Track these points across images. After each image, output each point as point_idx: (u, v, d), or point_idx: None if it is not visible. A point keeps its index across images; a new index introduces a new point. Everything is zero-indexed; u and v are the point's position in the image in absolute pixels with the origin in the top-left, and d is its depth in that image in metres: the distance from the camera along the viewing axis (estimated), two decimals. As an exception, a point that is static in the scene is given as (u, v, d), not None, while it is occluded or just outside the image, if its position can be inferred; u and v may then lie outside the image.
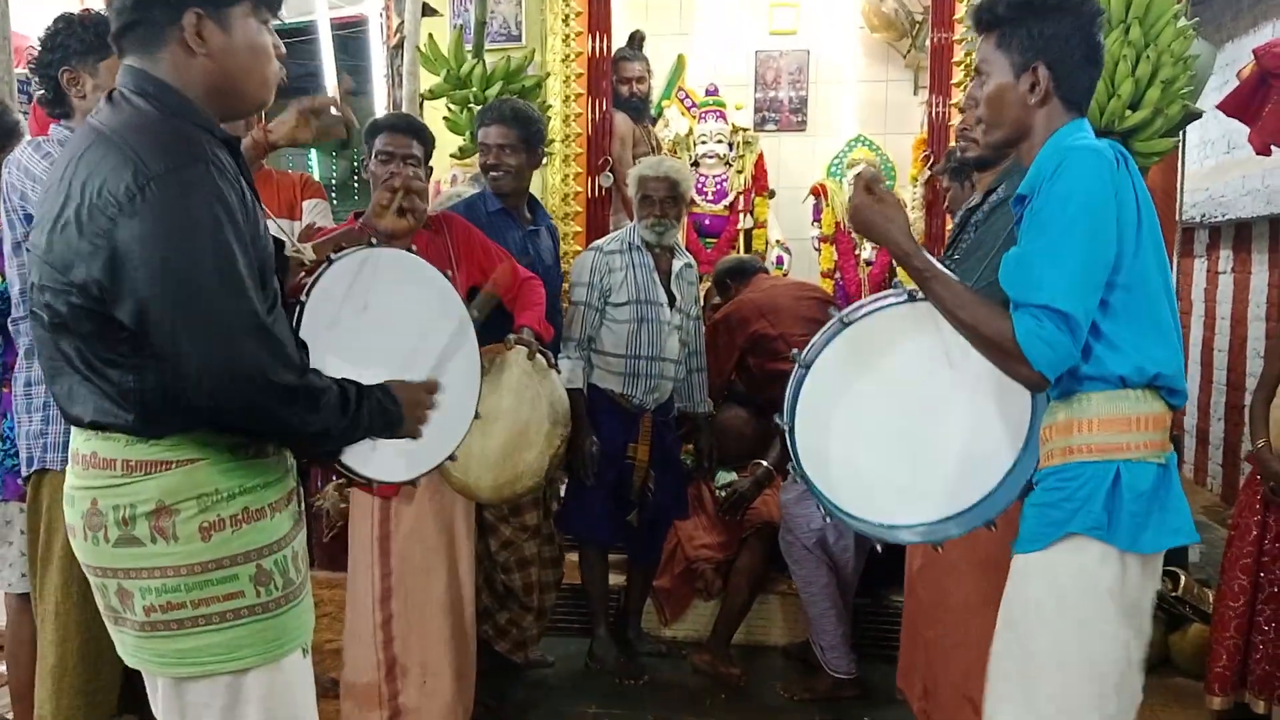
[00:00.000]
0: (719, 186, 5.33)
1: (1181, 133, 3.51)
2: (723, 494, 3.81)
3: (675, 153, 5.45)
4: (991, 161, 2.68)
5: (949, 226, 3.27)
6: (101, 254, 1.39)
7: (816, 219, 5.44)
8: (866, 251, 5.26)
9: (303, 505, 1.69)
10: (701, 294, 4.18)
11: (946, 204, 3.11)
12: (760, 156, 5.44)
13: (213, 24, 1.53)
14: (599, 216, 4.58)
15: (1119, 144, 1.78)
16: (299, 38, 6.46)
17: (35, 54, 2.38)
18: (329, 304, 1.74)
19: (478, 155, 3.28)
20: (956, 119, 3.95)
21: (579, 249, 4.40)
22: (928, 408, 1.94)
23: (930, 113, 4.55)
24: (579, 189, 4.52)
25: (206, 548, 1.50)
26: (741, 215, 5.34)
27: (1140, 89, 3.24)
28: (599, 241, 3.54)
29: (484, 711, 3.16)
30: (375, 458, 1.75)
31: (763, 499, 3.73)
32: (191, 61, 1.53)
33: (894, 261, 2.02)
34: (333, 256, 1.78)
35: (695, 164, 5.31)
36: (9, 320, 2.39)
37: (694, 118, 5.57)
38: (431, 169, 2.84)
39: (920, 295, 1.84)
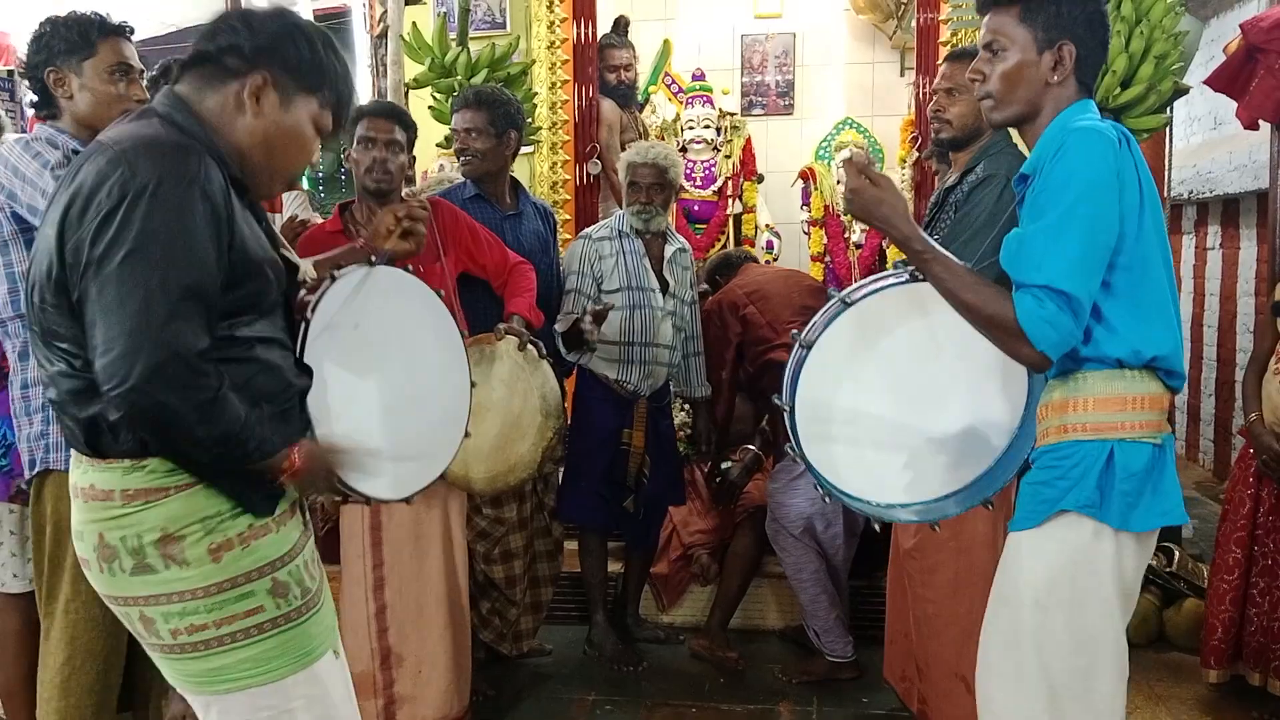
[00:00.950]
0: (707, 172, 5.31)
1: (1170, 109, 3.51)
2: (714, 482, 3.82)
3: (663, 139, 5.43)
4: (964, 142, 2.69)
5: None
6: (74, 249, 1.41)
7: (805, 203, 5.43)
8: (856, 235, 5.25)
9: (307, 514, 1.70)
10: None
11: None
12: (748, 141, 5.42)
13: (276, 94, 1.56)
14: (588, 204, 4.57)
15: (1121, 124, 1.78)
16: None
17: (23, 56, 2.37)
18: (329, 321, 1.77)
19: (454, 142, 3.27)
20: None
21: (568, 237, 4.38)
22: (927, 387, 1.95)
23: (917, 94, 4.55)
24: (567, 177, 4.50)
25: (219, 568, 1.51)
26: (730, 200, 5.33)
27: (1133, 65, 3.24)
28: (588, 229, 3.53)
29: (482, 700, 3.16)
30: (368, 477, 1.77)
31: (754, 483, 3.74)
32: (237, 117, 1.56)
33: (889, 244, 2.02)
34: (335, 274, 1.81)
35: (683, 149, 5.29)
36: None
37: (681, 103, 5.55)
38: (414, 157, 2.82)
39: (921, 276, 1.83)
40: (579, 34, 4.49)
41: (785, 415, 1.93)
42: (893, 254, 2.02)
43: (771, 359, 3.37)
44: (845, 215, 5.12)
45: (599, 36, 4.72)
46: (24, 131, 2.79)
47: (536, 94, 4.35)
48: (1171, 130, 3.98)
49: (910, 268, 1.86)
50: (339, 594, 2.76)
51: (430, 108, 4.14)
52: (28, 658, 2.46)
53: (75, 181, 1.45)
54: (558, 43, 4.48)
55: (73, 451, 1.57)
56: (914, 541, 2.76)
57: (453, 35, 4.10)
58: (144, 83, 2.40)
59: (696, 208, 5.31)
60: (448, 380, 2.19)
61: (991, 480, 1.95)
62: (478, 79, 3.96)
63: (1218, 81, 3.74)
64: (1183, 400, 6.13)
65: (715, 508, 3.83)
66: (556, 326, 3.28)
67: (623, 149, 4.88)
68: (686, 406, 3.93)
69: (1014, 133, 2.03)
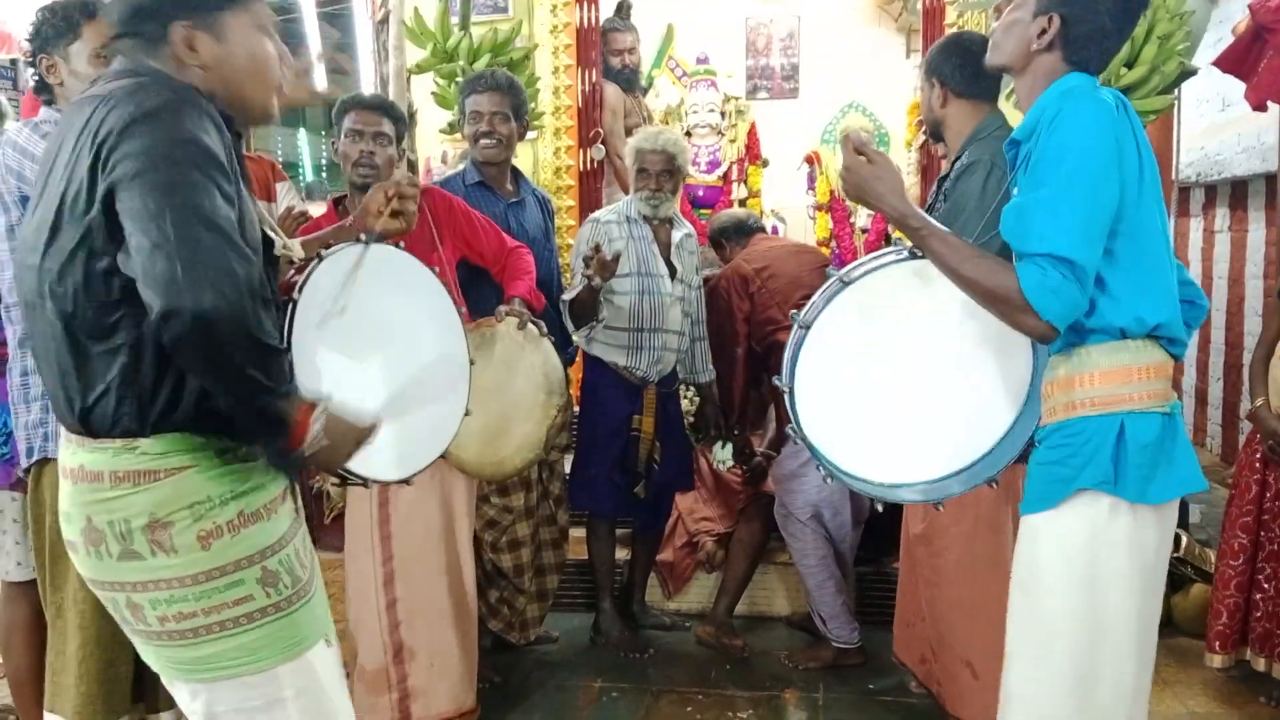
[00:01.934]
0: (712, 156, 5.29)
1: (1177, 91, 3.48)
2: (722, 465, 3.81)
3: (667, 123, 5.41)
4: (934, 134, 2.73)
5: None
6: (103, 180, 1.38)
7: (811, 187, 5.40)
8: (861, 219, 5.22)
9: (299, 501, 1.67)
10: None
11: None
12: (753, 125, 5.40)
13: (205, 35, 1.51)
14: (591, 190, 4.55)
15: (1119, 92, 1.76)
16: (283, 16, 6.39)
17: (25, 45, 2.40)
18: (319, 301, 1.73)
19: (466, 124, 3.22)
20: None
21: (572, 223, 4.37)
22: (928, 366, 1.93)
23: (923, 77, 4.51)
24: (570, 162, 4.49)
25: (207, 556, 1.48)
26: (735, 185, 5.31)
27: (1137, 46, 3.22)
28: (596, 213, 3.50)
29: (489, 687, 3.17)
30: (370, 458, 1.73)
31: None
32: (187, 73, 1.51)
33: (890, 224, 2.01)
34: (323, 254, 1.77)
35: (687, 134, 5.26)
36: (1, 306, 2.37)
37: (685, 87, 5.52)
38: (404, 149, 2.80)
39: (920, 253, 1.82)
40: (582, 18, 4.46)
41: (785, 396, 1.92)
42: (900, 232, 2.02)
43: (779, 340, 3.34)
44: (847, 197, 5.09)
45: (602, 21, 4.70)
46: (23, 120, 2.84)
47: (539, 79, 4.32)
48: (1179, 112, 3.95)
49: (909, 245, 1.85)
50: (345, 586, 2.76)
51: (433, 93, 4.13)
52: (37, 647, 2.47)
53: (75, 132, 1.42)
54: (560, 27, 4.45)
55: (62, 431, 1.55)
56: (921, 527, 2.76)
57: (455, 20, 4.08)
58: None
59: (701, 193, 5.28)
60: (445, 357, 2.15)
61: (995, 459, 1.94)
62: (480, 64, 3.94)
63: (1226, 63, 3.71)
64: (1190, 384, 6.10)
65: (719, 490, 3.83)
66: (564, 296, 3.27)
67: (627, 134, 4.86)
68: (691, 391, 3.93)
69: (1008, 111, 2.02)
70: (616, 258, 3.16)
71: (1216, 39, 4.74)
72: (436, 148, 4.53)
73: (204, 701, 1.54)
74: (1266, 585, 3.03)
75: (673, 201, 3.50)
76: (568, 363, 3.46)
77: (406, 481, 2.02)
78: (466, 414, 2.22)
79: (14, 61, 5.05)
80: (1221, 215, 5.84)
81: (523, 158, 3.42)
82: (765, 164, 5.46)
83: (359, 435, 1.60)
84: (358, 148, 2.67)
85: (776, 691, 3.24)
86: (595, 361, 3.44)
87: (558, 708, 3.17)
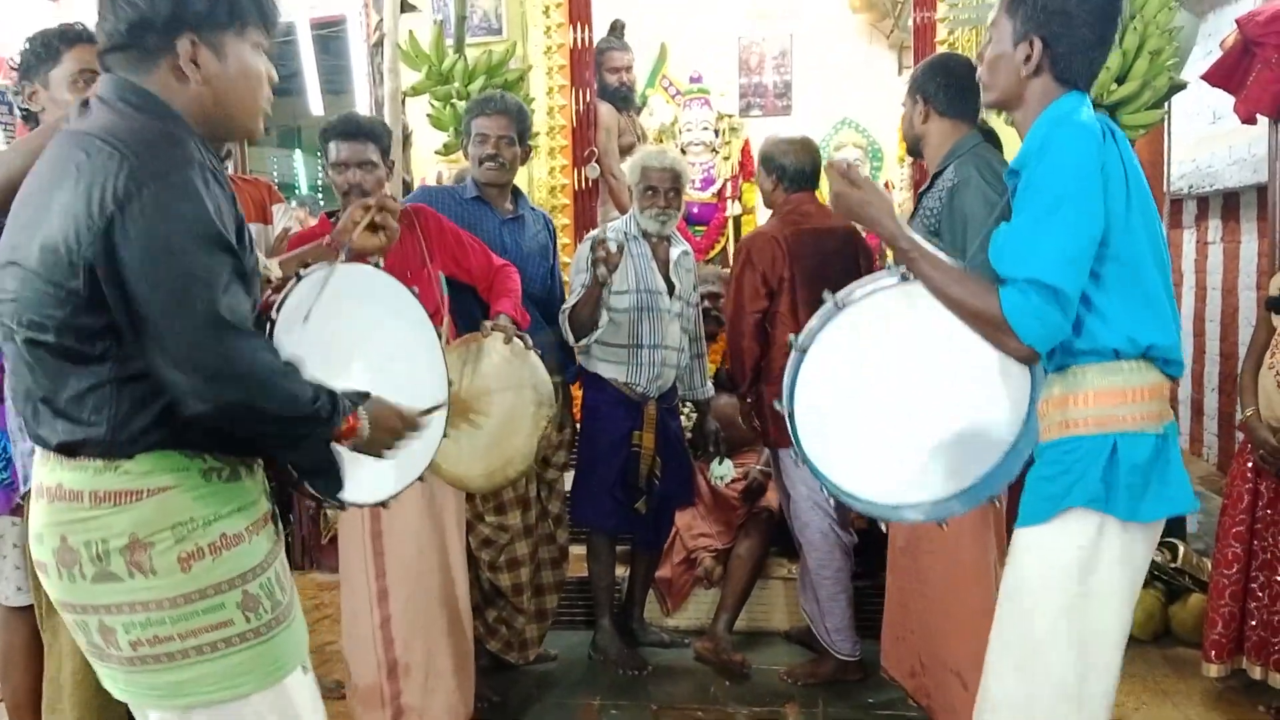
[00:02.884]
0: (706, 174, 5.31)
1: (1167, 105, 3.51)
2: (720, 481, 3.82)
3: (661, 141, 5.44)
4: (912, 150, 2.80)
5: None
6: (99, 244, 1.36)
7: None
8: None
9: (280, 525, 1.66)
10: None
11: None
12: (746, 142, 5.42)
13: (207, 51, 1.51)
14: (586, 208, 4.57)
15: (1107, 117, 1.79)
16: (279, 39, 6.42)
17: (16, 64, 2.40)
18: (297, 320, 1.73)
19: (471, 145, 3.24)
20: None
21: (567, 242, 4.39)
22: (928, 387, 1.95)
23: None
24: (565, 181, 4.51)
25: (188, 578, 1.45)
26: (730, 202, 5.33)
27: (1128, 61, 3.25)
28: (595, 232, 3.51)
29: (487, 707, 3.16)
30: (348, 480, 1.74)
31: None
32: (183, 87, 1.51)
33: (882, 244, 2.04)
34: (301, 273, 1.77)
35: (682, 151, 5.29)
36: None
37: (679, 106, 5.56)
38: (392, 164, 2.81)
39: (912, 276, 1.85)
40: (575, 38, 4.50)
41: (787, 420, 1.94)
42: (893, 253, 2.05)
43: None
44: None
45: (596, 40, 4.73)
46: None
47: (534, 99, 4.35)
48: (1170, 125, 3.98)
49: (903, 269, 1.88)
50: (339, 605, 2.76)
51: (428, 115, 4.15)
52: (35, 671, 2.46)
53: (72, 179, 1.40)
54: (554, 48, 4.48)
55: (38, 450, 1.52)
56: (904, 541, 2.77)
57: (449, 42, 4.11)
58: None
59: (696, 210, 5.30)
60: (423, 378, 2.14)
61: (997, 478, 1.96)
62: (475, 86, 3.98)
63: (1215, 76, 3.74)
64: (1186, 394, 6.12)
65: (718, 506, 3.84)
66: (564, 306, 3.29)
67: (621, 153, 4.89)
68: (688, 408, 3.94)
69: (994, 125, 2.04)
70: (621, 249, 3.18)
71: (1205, 53, 4.79)
72: (431, 169, 4.55)
73: None
74: (1261, 594, 3.04)
75: (677, 218, 3.54)
76: (569, 382, 3.48)
77: (383, 504, 2.01)
78: (444, 436, 2.20)
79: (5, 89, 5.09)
80: (1214, 227, 5.86)
81: (518, 177, 3.43)
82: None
83: (406, 421, 1.71)
84: (344, 179, 2.68)
85: (777, 706, 3.24)
86: (595, 379, 3.45)
87: (557, 726, 3.17)
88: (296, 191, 12.81)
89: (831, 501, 2.01)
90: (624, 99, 5.04)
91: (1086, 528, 1.72)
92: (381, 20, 4.21)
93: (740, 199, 5.35)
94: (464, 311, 2.90)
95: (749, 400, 3.49)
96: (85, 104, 1.51)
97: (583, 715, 3.24)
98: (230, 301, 1.41)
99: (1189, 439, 6.16)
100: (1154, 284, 1.75)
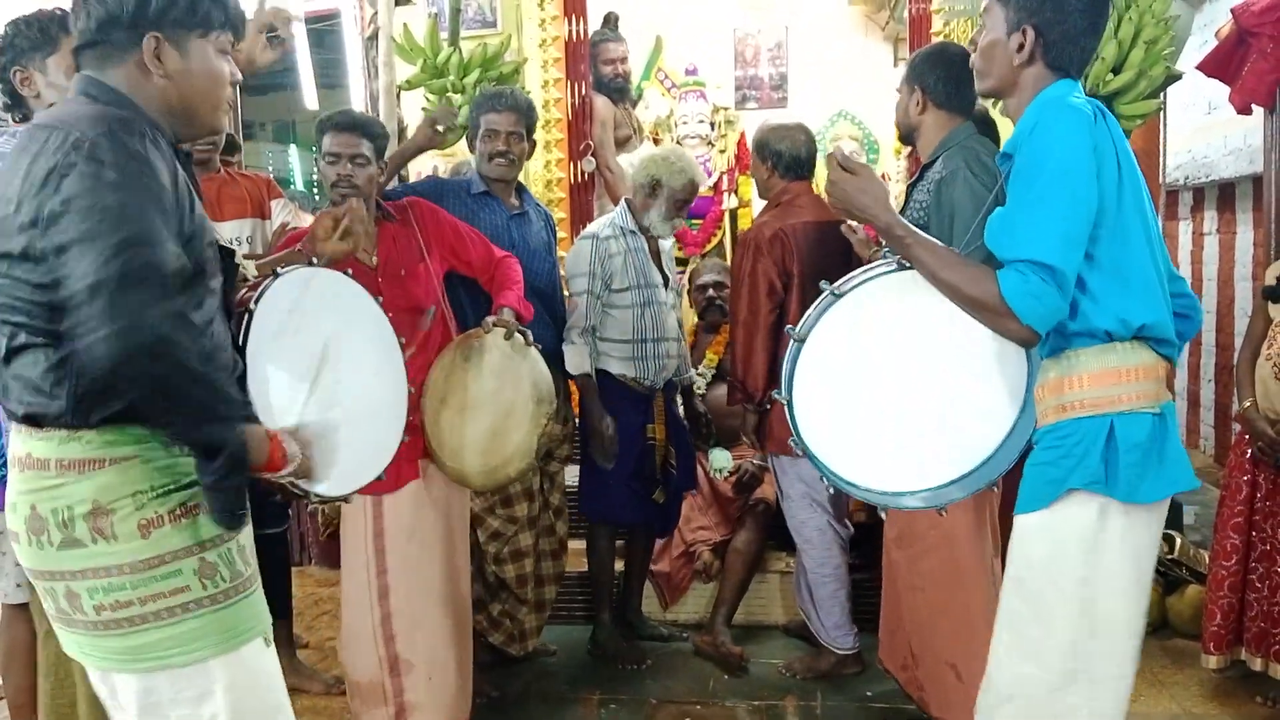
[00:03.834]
0: (702, 167, 5.29)
1: (1163, 95, 3.51)
2: (720, 474, 3.82)
3: (657, 134, 5.43)
4: (905, 138, 2.78)
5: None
6: (40, 212, 1.42)
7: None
8: (859, 233, 5.23)
9: (246, 505, 1.68)
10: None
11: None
12: (742, 135, 5.40)
13: (171, 48, 1.60)
14: (583, 202, 4.57)
15: (1097, 101, 1.80)
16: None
17: None
18: (270, 320, 1.82)
19: (479, 140, 3.21)
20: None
21: (563, 235, 4.38)
22: (925, 374, 1.96)
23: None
24: (561, 175, 4.50)
25: (147, 544, 1.51)
26: (726, 195, 5.32)
27: (1123, 51, 3.24)
28: (593, 229, 3.49)
29: (486, 702, 3.16)
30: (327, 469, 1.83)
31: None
32: (147, 81, 1.60)
33: (878, 235, 2.03)
34: (279, 271, 1.87)
35: (678, 144, 5.28)
36: None
37: (674, 99, 5.54)
38: (384, 164, 2.80)
39: (908, 263, 1.85)
40: (570, 31, 4.49)
41: (785, 408, 1.96)
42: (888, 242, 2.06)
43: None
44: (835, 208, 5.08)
45: (590, 33, 4.72)
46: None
47: (529, 93, 4.33)
48: (1165, 116, 3.98)
49: (898, 256, 1.89)
50: (341, 600, 2.76)
51: (423, 109, 4.13)
52: (35, 669, 2.46)
53: (25, 161, 1.46)
54: (549, 41, 4.47)
55: (10, 424, 1.58)
56: (897, 531, 2.77)
57: (444, 35, 4.09)
58: None
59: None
60: (385, 381, 2.25)
61: (996, 464, 1.96)
62: (470, 79, 3.96)
63: (1210, 66, 3.74)
64: (1182, 386, 6.13)
65: (715, 499, 3.84)
66: (572, 328, 3.32)
67: (617, 145, 4.89)
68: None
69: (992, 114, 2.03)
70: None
71: (1201, 43, 4.79)
72: (427, 162, 4.53)
73: (136, 690, 1.56)
74: (1260, 585, 3.04)
75: (680, 223, 3.60)
76: (569, 375, 3.48)
77: (345, 499, 2.07)
78: (404, 439, 2.29)
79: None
80: (1210, 218, 5.87)
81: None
82: (755, 173, 5.47)
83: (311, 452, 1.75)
84: (335, 170, 2.66)
85: (775, 700, 3.24)
86: (603, 375, 3.43)
87: (556, 720, 3.17)
88: (291, 186, 12.79)
89: (831, 490, 2.01)
90: (619, 91, 5.02)
91: (1087, 510, 1.73)
92: (376, 14, 4.19)
93: (736, 192, 5.34)
94: (471, 304, 2.92)
95: (752, 405, 3.31)
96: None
97: (582, 709, 3.24)
98: (158, 257, 1.44)
99: (1185, 431, 6.17)
100: (1145, 265, 1.76)
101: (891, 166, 5.81)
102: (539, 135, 4.41)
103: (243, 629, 1.60)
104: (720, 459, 3.89)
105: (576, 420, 3.59)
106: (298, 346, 1.91)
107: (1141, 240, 1.76)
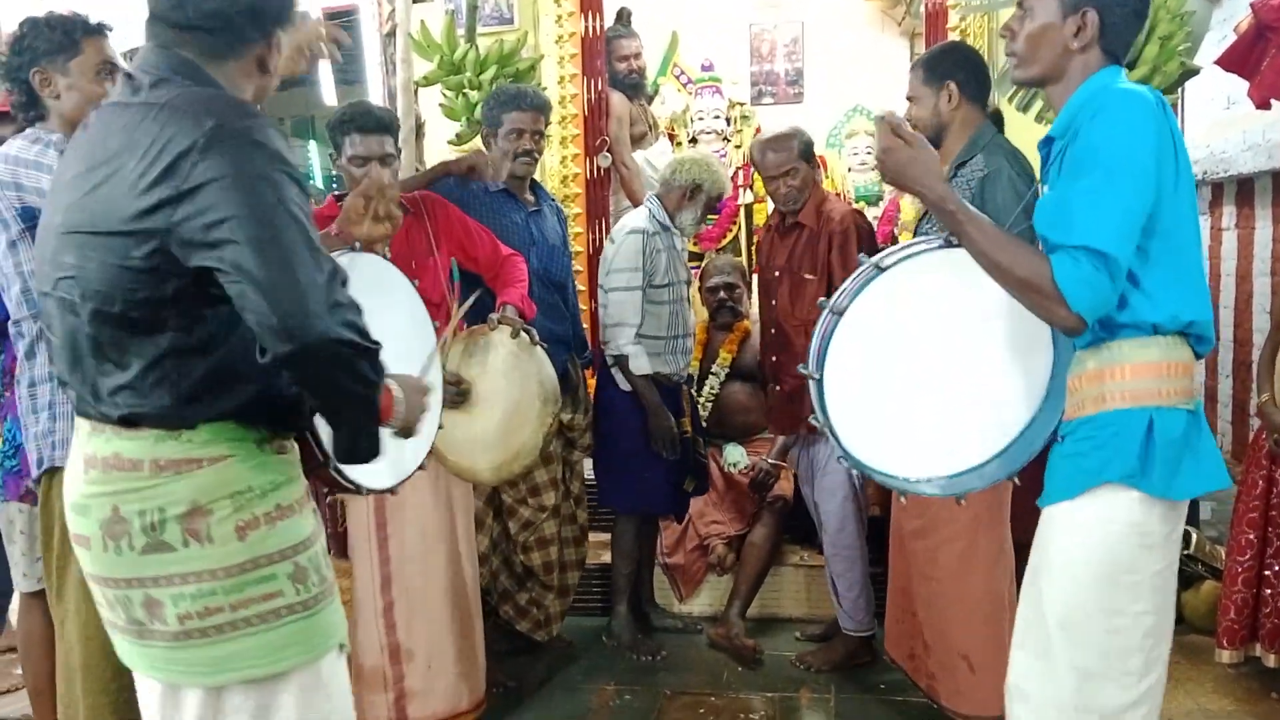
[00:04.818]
0: (718, 162, 5.30)
1: (1180, 90, 3.50)
2: (733, 468, 3.84)
3: (673, 130, 5.43)
4: (934, 142, 2.69)
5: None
6: (184, 196, 1.35)
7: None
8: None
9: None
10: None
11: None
12: (758, 130, 5.40)
13: (277, 51, 1.57)
14: (598, 198, 4.58)
15: (1158, 91, 1.75)
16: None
17: (2, 59, 2.38)
18: None
19: (501, 138, 3.22)
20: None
21: (579, 231, 4.40)
22: (951, 359, 1.93)
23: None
24: (577, 171, 4.51)
25: (244, 547, 1.46)
26: (741, 190, 5.32)
27: (1138, 46, 3.23)
28: (638, 224, 3.44)
29: (501, 691, 3.19)
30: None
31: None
32: (250, 81, 1.54)
33: (900, 230, 2.00)
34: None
35: (693, 140, 5.29)
36: (9, 323, 2.40)
37: (690, 94, 5.55)
38: (399, 151, 2.81)
39: (955, 241, 1.80)
40: (587, 27, 4.49)
41: (813, 384, 1.90)
42: (904, 239, 2.05)
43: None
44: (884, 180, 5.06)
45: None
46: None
47: (545, 89, 4.35)
48: (1183, 111, 3.96)
49: (944, 233, 1.84)
50: (351, 590, 2.79)
51: (440, 105, 4.16)
52: (54, 656, 2.49)
53: (143, 147, 1.37)
54: (565, 37, 4.48)
55: (87, 423, 1.51)
56: (919, 523, 2.78)
57: (461, 32, 4.11)
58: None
59: (708, 199, 5.29)
60: (423, 370, 2.16)
61: (1016, 454, 1.95)
62: (487, 75, 3.98)
63: (1228, 61, 3.71)
64: (1199, 381, 6.09)
65: (729, 493, 3.86)
66: (634, 367, 3.33)
67: (632, 141, 4.89)
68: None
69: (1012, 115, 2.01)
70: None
71: (1220, 37, 4.75)
72: (444, 159, 4.55)
73: (202, 705, 1.49)
74: (1275, 581, 3.03)
75: None
76: (583, 366, 3.51)
77: (392, 491, 2.05)
78: (440, 428, 2.25)
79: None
80: (1228, 213, 5.83)
81: (528, 167, 3.46)
82: (771, 169, 5.46)
83: (422, 391, 1.68)
84: (364, 173, 2.63)
85: (789, 692, 3.26)
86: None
87: (571, 710, 3.20)
88: (311, 182, 12.85)
89: (851, 471, 2.00)
90: (634, 87, 5.03)
91: (1117, 504, 1.70)
92: (394, 10, 4.21)
93: (752, 187, 5.33)
94: (474, 304, 2.93)
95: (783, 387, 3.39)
96: (131, 77, 1.50)
97: (597, 700, 3.26)
98: (316, 235, 1.41)
99: (1203, 426, 6.12)
100: (1196, 261, 1.74)
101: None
102: (555, 131, 4.45)
103: (326, 637, 1.55)
104: (734, 454, 3.91)
105: (589, 409, 3.61)
106: None
107: (1193, 236, 1.73)
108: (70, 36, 2.30)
